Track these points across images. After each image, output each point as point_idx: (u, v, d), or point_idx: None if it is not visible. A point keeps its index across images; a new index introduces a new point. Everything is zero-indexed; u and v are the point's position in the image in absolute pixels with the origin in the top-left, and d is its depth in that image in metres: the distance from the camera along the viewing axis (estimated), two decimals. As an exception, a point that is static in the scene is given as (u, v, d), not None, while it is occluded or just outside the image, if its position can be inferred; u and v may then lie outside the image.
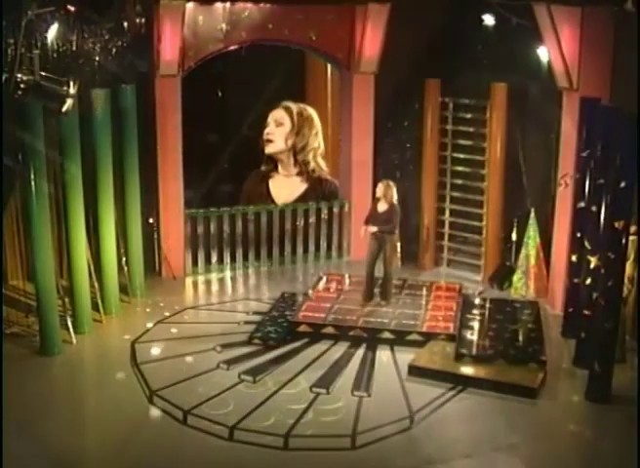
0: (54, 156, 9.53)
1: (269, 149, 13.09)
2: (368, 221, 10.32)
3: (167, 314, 10.41)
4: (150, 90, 11.10)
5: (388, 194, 10.16)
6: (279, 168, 13.18)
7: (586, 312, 8.77)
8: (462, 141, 11.95)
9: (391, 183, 10.28)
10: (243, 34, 11.46)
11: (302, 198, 13.00)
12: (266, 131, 13.04)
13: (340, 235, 12.74)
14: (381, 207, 10.21)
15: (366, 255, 10.44)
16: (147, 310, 10.59)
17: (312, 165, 13.20)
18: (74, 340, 9.41)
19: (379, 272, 10.44)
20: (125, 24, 10.80)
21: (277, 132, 13.05)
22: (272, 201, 12.89)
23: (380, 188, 10.20)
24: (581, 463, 7.44)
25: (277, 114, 13.09)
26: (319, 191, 13.11)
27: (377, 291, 10.48)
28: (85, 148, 9.68)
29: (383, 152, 12.62)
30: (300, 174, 13.15)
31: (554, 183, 10.30)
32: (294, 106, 13.09)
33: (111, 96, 10.07)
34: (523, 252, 10.96)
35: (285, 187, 13.15)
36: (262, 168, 13.20)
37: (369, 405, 8.02)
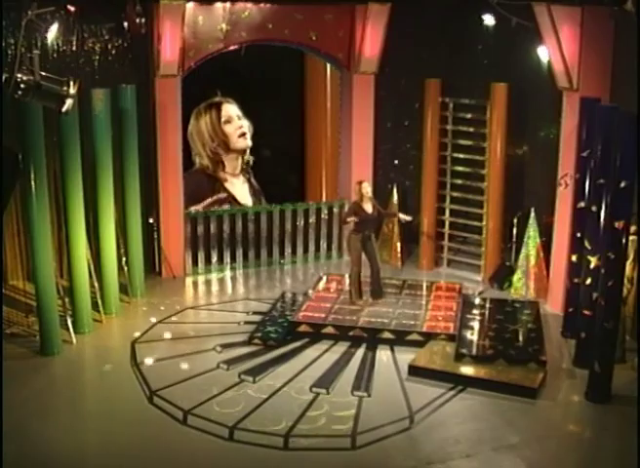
0: (54, 155, 9.56)
1: (248, 143, 12.67)
2: (349, 218, 10.19)
3: (167, 314, 10.41)
4: (150, 90, 11.12)
5: (370, 193, 10.26)
6: (226, 167, 12.73)
7: (586, 312, 8.77)
8: (462, 141, 11.97)
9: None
10: (243, 34, 11.46)
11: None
12: (237, 124, 12.64)
13: (340, 235, 12.73)
14: (368, 207, 10.17)
15: (351, 255, 10.35)
16: (147, 310, 10.60)
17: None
18: (74, 340, 9.41)
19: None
20: (125, 24, 10.81)
21: (245, 125, 12.65)
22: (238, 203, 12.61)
23: (367, 187, 10.18)
24: (581, 463, 7.42)
25: (233, 109, 12.64)
26: (256, 190, 12.94)
27: (368, 290, 10.45)
28: (85, 148, 9.69)
29: (383, 152, 12.62)
30: (242, 173, 12.80)
31: (554, 183, 10.29)
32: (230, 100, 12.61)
33: (111, 96, 10.07)
34: (523, 252, 10.97)
35: (238, 188, 12.80)
36: (197, 167, 12.60)
37: (369, 405, 8.02)
